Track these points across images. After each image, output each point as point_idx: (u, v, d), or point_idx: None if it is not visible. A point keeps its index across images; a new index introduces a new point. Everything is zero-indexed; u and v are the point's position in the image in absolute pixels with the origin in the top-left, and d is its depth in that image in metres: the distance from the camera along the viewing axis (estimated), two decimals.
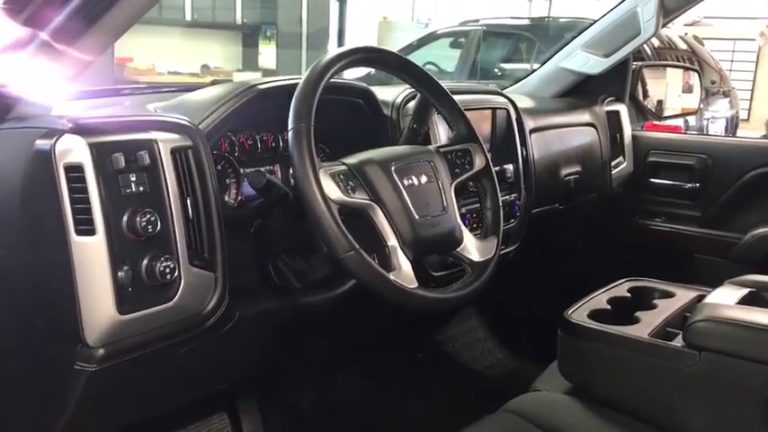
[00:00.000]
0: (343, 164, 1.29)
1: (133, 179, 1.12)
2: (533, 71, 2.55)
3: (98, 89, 1.82)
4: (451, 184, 1.37)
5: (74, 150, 1.07)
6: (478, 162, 1.43)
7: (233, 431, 1.76)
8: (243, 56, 6.66)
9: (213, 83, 1.60)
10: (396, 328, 2.06)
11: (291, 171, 1.36)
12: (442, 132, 1.62)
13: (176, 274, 1.14)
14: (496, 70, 5.39)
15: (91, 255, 1.07)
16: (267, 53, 6.56)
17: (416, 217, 1.28)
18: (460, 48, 5.67)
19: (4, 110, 1.13)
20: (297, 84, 1.28)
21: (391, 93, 1.68)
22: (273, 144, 1.57)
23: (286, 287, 1.41)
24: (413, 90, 1.65)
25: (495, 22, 5.71)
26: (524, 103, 2.09)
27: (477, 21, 5.83)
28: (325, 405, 1.96)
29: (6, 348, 1.18)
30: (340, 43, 6.52)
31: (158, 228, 1.12)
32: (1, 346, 1.18)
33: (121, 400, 1.27)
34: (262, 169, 1.50)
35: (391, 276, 1.21)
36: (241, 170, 1.50)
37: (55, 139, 1.07)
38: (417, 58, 5.31)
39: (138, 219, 1.10)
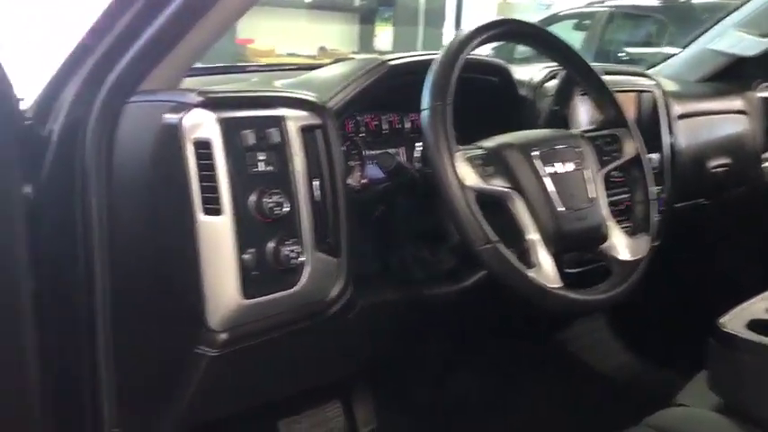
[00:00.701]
0: (481, 147, 1.19)
1: (261, 158, 1.06)
2: (672, 55, 2.34)
3: (223, 66, 1.80)
4: (599, 172, 1.24)
5: (202, 125, 1.02)
6: (629, 149, 1.29)
7: (346, 420, 1.71)
8: (359, 38, 6.64)
9: (336, 61, 1.52)
10: (518, 325, 1.95)
11: (421, 154, 1.27)
12: (583, 116, 1.48)
13: (302, 258, 1.08)
14: (623, 54, 5.09)
15: (217, 235, 1.03)
16: (383, 35, 6.51)
17: (560, 209, 1.16)
18: (585, 30, 5.39)
19: (133, 83, 1.10)
20: (432, 59, 1.18)
21: (528, 72, 1.55)
22: (399, 125, 1.48)
23: (408, 277, 1.33)
24: (551, 69, 1.52)
25: (623, 2, 5.39)
26: (670, 86, 1.91)
27: (603, 1, 5.53)
28: (441, 401, 1.88)
29: (129, 329, 1.17)
30: (457, 26, 6.38)
31: (285, 210, 1.06)
32: (123, 326, 1.16)
33: (239, 385, 1.23)
34: (390, 151, 1.42)
35: (531, 274, 1.10)
36: (364, 152, 1.43)
37: (183, 113, 1.03)
38: None
39: (265, 199, 1.04)
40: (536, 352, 2.10)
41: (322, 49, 5.93)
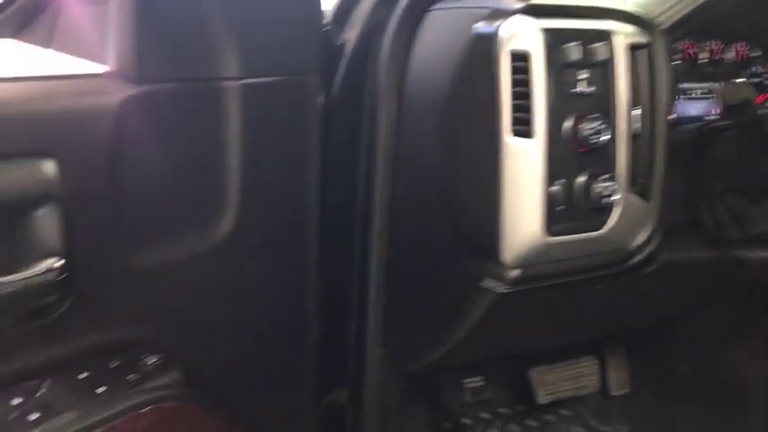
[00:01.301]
0: None
1: (583, 76, 0.92)
2: None
3: None
4: None
5: (522, 35, 0.90)
6: None
7: (600, 379, 1.57)
8: None
9: None
10: None
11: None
12: None
13: (614, 197, 0.94)
14: None
15: (525, 161, 0.91)
16: None
17: None
18: None
19: None
20: None
21: None
22: (718, 56, 1.26)
23: (721, 235, 1.14)
24: None
25: None
26: None
27: None
28: (708, 378, 1.66)
29: (405, 252, 1.11)
30: None
31: (603, 139, 0.92)
32: (399, 249, 1.11)
33: (517, 327, 1.14)
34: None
35: None
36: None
37: (500, 21, 0.91)
38: None
39: (582, 125, 0.91)
40: None
41: None
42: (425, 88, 1.02)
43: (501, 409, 1.52)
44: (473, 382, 1.41)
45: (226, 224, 0.96)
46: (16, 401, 0.77)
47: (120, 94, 0.83)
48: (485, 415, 1.52)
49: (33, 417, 0.75)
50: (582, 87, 0.92)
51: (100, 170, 0.82)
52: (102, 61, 0.88)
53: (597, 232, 0.96)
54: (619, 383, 1.61)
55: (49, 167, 0.77)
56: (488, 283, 0.99)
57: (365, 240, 1.14)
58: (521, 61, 0.90)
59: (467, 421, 1.50)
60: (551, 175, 0.92)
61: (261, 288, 1.04)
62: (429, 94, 1.02)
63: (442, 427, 1.49)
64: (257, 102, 0.94)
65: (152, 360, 0.87)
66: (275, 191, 1.01)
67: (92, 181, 0.81)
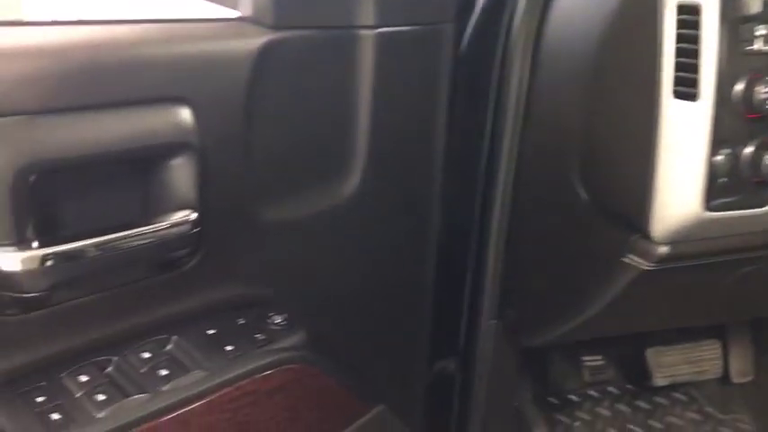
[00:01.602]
0: None
1: (762, 32, 0.82)
2: None
3: None
4: None
5: None
6: None
7: (722, 364, 1.47)
8: None
9: None
10: None
11: None
12: None
13: None
14: None
15: (687, 126, 0.82)
16: None
17: None
18: None
19: None
20: None
21: None
22: None
23: None
24: None
25: None
26: None
27: None
28: None
29: (526, 220, 1.04)
30: None
31: None
32: (529, 218, 1.04)
33: (649, 307, 1.06)
34: None
35: None
36: None
37: None
38: None
39: (757, 89, 0.81)
40: None
41: None
42: (567, 43, 0.94)
43: (610, 388, 1.45)
44: (593, 360, 1.34)
45: (352, 181, 0.91)
46: (146, 355, 0.75)
47: (256, 39, 0.78)
48: (593, 393, 1.45)
49: (164, 372, 0.73)
50: (759, 45, 0.82)
51: (234, 118, 0.78)
52: (236, 7, 0.84)
53: (760, 210, 0.86)
54: (741, 370, 1.50)
55: (185, 114, 0.74)
56: (631, 259, 0.91)
57: (486, 204, 1.08)
58: (689, 14, 0.81)
59: (574, 398, 1.44)
60: (716, 144, 0.82)
61: (382, 250, 0.99)
62: (571, 50, 0.93)
63: (548, 402, 1.43)
64: (391, 52, 0.88)
65: (278, 320, 0.84)
66: (402, 147, 0.96)
67: (226, 129, 0.78)
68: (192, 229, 0.76)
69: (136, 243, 0.72)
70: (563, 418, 1.42)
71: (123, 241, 0.71)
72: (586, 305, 1.02)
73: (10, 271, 0.65)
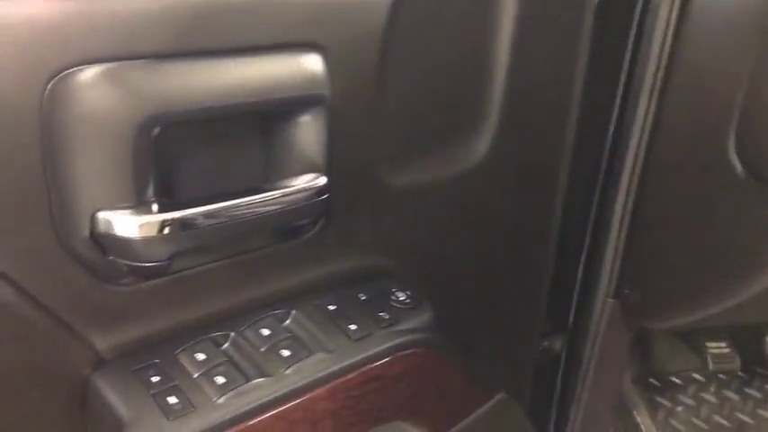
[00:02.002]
0: None
1: None
2: None
3: None
4: None
5: None
6: None
7: None
8: None
9: None
10: None
11: None
12: None
13: None
14: None
15: None
16: None
17: None
18: None
19: None
20: None
21: None
22: None
23: None
24: None
25: None
26: None
27: None
28: None
29: (669, 192, 0.93)
30: None
31: None
32: (661, 187, 0.93)
33: None
34: None
35: None
36: None
37: None
38: None
39: None
40: None
41: None
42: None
43: (719, 374, 1.35)
44: (717, 347, 1.23)
45: (482, 146, 0.82)
46: (266, 332, 0.68)
47: None
48: (698, 376, 1.35)
49: (285, 353, 0.66)
50: None
51: (367, 71, 0.68)
52: None
53: None
54: None
55: (317, 63, 0.64)
56: None
57: (612, 174, 0.97)
58: None
59: (677, 380, 1.34)
60: None
61: (506, 221, 0.90)
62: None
63: (649, 384, 1.34)
64: (533, 2, 0.78)
65: (402, 296, 0.75)
66: (536, 110, 0.85)
67: (358, 83, 0.68)
68: (320, 196, 0.67)
69: (259, 210, 0.64)
70: (665, 402, 1.33)
71: (246, 208, 0.63)
72: (735, 289, 0.91)
73: (127, 237, 0.57)
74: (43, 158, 0.54)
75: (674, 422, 1.32)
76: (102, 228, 0.57)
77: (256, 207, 0.63)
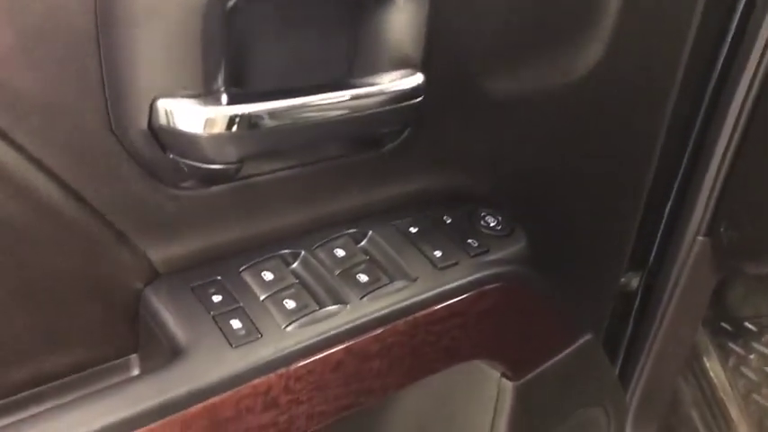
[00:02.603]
0: None
1: None
2: None
3: None
4: None
5: None
6: None
7: None
8: None
9: None
10: None
11: None
12: None
13: None
14: None
15: None
16: None
17: None
18: None
19: None
20: None
21: None
22: None
23: None
24: None
25: None
26: None
27: None
28: None
29: None
30: None
31: None
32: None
33: None
34: None
35: None
36: None
37: None
38: None
39: None
40: None
41: None
42: None
43: None
44: None
45: (593, 55, 0.70)
46: (340, 253, 0.59)
47: None
48: None
49: (362, 278, 0.57)
50: None
51: None
52: None
53: None
54: None
55: None
56: None
57: (722, 95, 0.86)
58: None
59: (751, 326, 1.25)
60: None
61: (608, 143, 0.79)
62: None
63: (721, 329, 1.24)
64: None
65: (492, 222, 0.66)
66: (654, 20, 0.73)
67: None
68: (413, 98, 0.57)
69: (342, 111, 0.54)
70: (737, 348, 1.24)
71: (328, 107, 0.53)
72: None
73: (190, 132, 0.48)
74: (97, 29, 0.44)
75: (745, 370, 1.23)
76: (162, 119, 0.48)
77: (339, 107, 0.53)
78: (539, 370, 0.71)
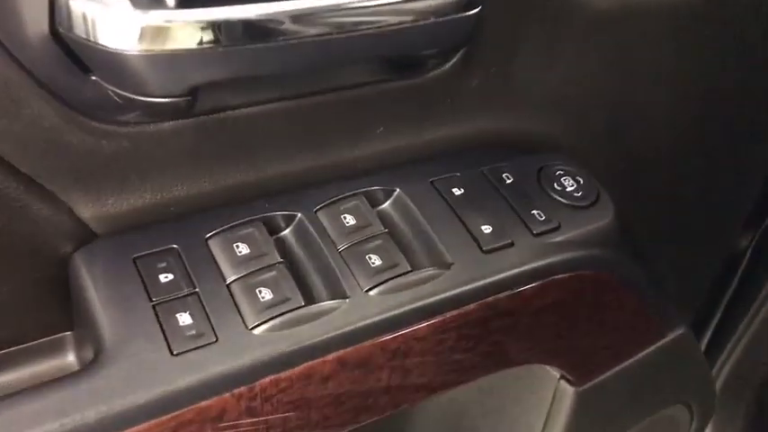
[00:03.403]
0: None
1: None
2: None
3: None
4: None
5: None
6: None
7: None
8: None
9: None
10: None
11: None
12: None
13: None
14: None
15: None
16: None
17: None
18: None
19: None
20: None
21: None
22: None
23: None
24: None
25: None
26: None
27: None
28: None
29: None
30: None
31: None
32: None
33: None
34: None
35: None
36: None
37: None
38: None
39: None
40: None
41: None
42: None
43: None
44: None
45: None
46: (350, 221, 0.43)
47: None
48: None
49: (374, 261, 0.41)
50: None
51: None
52: None
53: None
54: None
55: None
56: None
57: None
58: None
59: None
60: None
61: (725, 88, 0.58)
62: None
63: None
64: None
65: (569, 183, 0.48)
66: None
67: None
68: (467, 9, 0.38)
69: (363, 23, 0.36)
70: None
71: (339, 14, 0.35)
72: None
73: (120, 51, 0.32)
74: None
75: None
76: (77, 27, 0.32)
77: (357, 15, 0.36)
78: (609, 373, 0.55)
